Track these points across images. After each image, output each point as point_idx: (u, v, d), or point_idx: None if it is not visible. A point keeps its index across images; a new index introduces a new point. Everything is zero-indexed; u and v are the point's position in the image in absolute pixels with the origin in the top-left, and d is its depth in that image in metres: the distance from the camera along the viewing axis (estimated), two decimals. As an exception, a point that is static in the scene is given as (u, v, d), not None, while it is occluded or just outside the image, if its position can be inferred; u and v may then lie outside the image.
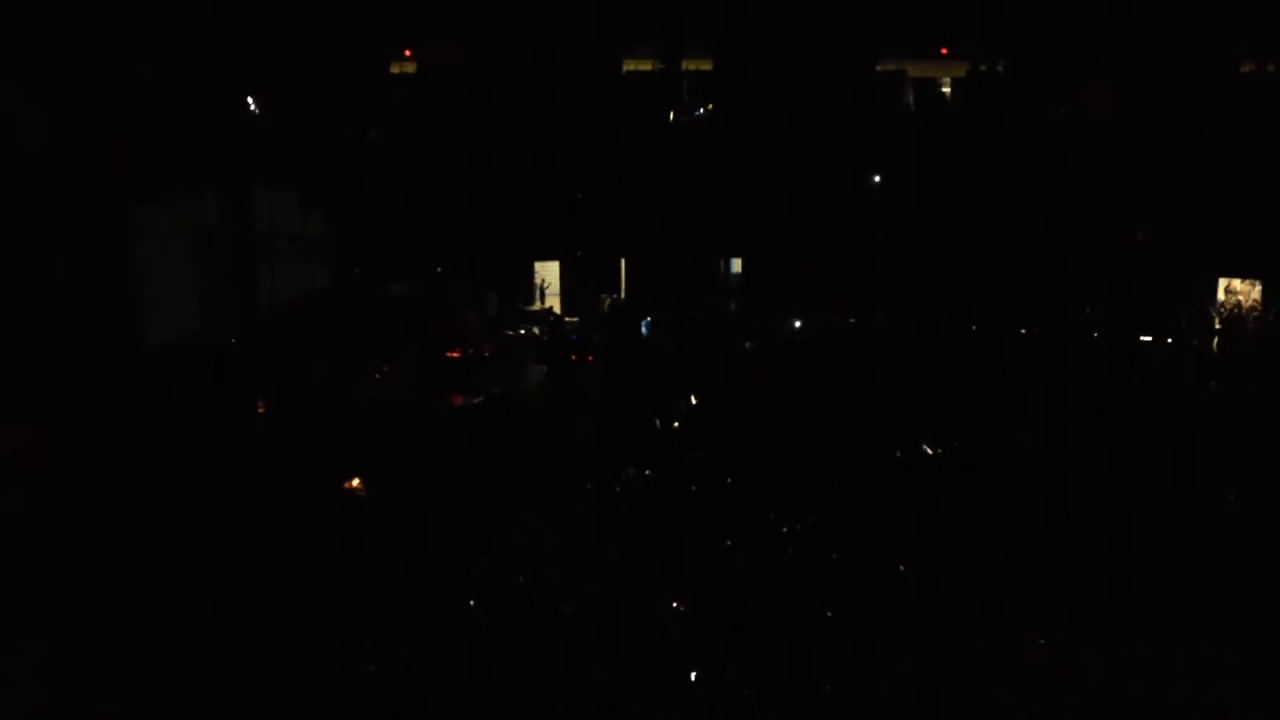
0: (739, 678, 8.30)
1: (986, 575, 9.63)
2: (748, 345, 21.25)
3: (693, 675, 8.39)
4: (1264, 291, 23.05)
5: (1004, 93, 25.74)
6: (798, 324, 22.96)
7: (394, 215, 23.44)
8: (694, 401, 15.14)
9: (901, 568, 9.91)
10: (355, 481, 11.69)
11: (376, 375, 17.59)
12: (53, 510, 9.96)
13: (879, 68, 27.17)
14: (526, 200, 25.16)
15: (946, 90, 27.94)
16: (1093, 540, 10.29)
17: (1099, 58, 24.46)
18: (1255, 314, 21.56)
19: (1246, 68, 24.65)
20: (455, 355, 19.68)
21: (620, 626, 8.85)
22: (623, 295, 27.33)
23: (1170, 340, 20.42)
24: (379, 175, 23.33)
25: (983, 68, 26.52)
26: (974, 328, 22.04)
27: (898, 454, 12.84)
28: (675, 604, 9.12)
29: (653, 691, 8.18)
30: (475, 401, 16.73)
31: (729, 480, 11.84)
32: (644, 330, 23.01)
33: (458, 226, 24.66)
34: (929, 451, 12.90)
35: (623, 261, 27.75)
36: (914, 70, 27.55)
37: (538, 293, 27.74)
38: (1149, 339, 20.55)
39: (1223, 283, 23.99)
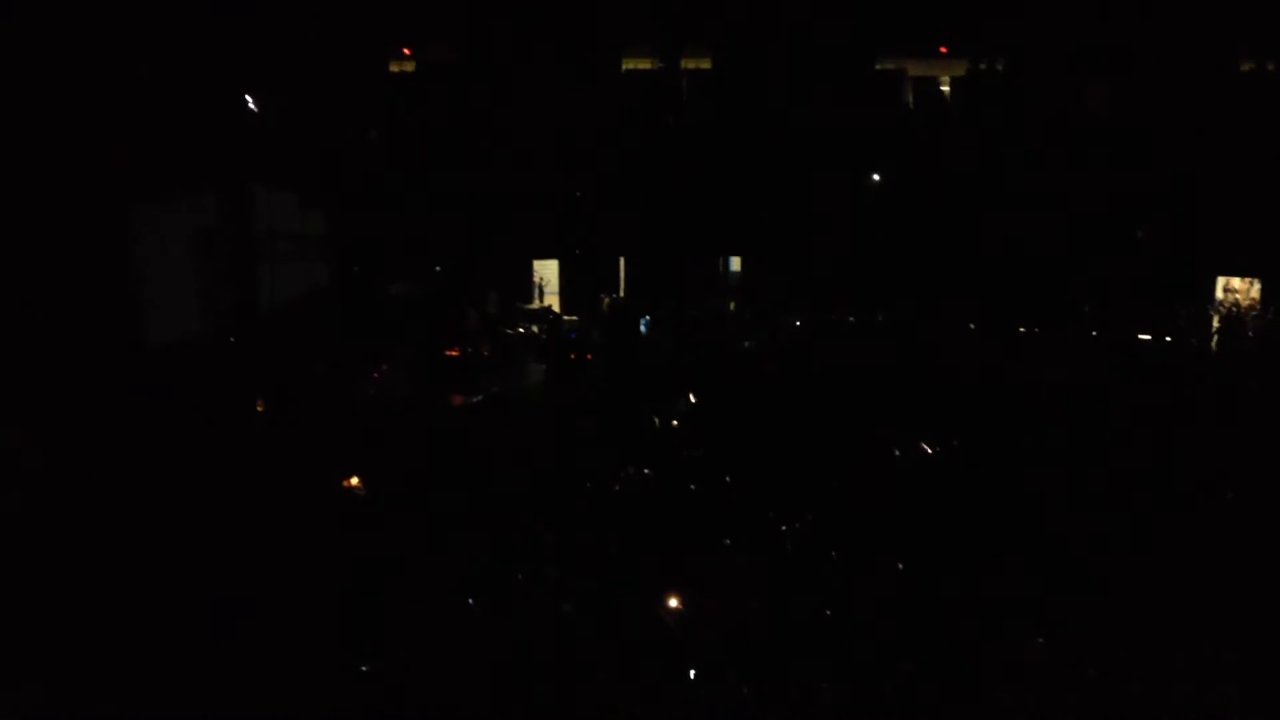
0: (739, 678, 8.31)
1: (986, 575, 9.64)
2: (746, 344, 21.26)
3: (692, 675, 8.40)
4: (1263, 290, 23.08)
5: (1004, 92, 25.76)
6: (797, 323, 22.98)
7: (394, 215, 23.44)
8: (693, 400, 15.14)
9: (901, 567, 9.93)
10: (355, 480, 11.69)
11: (376, 374, 17.60)
12: (53, 510, 9.95)
13: (879, 67, 27.19)
14: (526, 199, 25.19)
15: (946, 90, 27.94)
16: (1092, 540, 10.30)
17: (1099, 57, 24.48)
18: (1254, 313, 21.58)
19: (1246, 67, 24.66)
20: (454, 354, 19.68)
21: (620, 626, 8.86)
22: (621, 294, 27.35)
23: (1169, 339, 20.45)
24: (379, 175, 23.34)
25: (982, 67, 26.52)
26: (972, 326, 22.09)
27: (897, 454, 12.85)
28: (675, 604, 9.12)
29: (653, 691, 8.18)
30: (474, 400, 16.75)
31: (728, 479, 11.85)
32: (643, 329, 23.02)
33: (457, 226, 24.67)
34: (929, 451, 12.91)
35: (621, 260, 27.76)
36: (914, 70, 27.56)
37: (537, 291, 27.75)
38: (1147, 337, 20.59)
39: (1221, 281, 24.03)
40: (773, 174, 25.36)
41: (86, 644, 8.33)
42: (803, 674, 8.33)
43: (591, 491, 11.62)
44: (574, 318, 25.43)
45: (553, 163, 25.51)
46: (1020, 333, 21.74)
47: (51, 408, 10.87)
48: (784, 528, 10.66)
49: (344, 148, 21.70)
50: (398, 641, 8.63)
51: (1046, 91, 24.92)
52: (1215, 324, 21.61)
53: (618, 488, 11.79)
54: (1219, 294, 23.60)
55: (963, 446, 12.99)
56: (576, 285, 27.58)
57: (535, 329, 23.68)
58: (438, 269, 24.56)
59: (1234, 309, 22.01)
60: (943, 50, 27.22)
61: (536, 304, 27.11)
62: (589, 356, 20.43)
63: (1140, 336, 20.64)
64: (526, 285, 27.39)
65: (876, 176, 25.86)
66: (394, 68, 27.86)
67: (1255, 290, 23.27)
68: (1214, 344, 20.71)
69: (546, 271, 27.97)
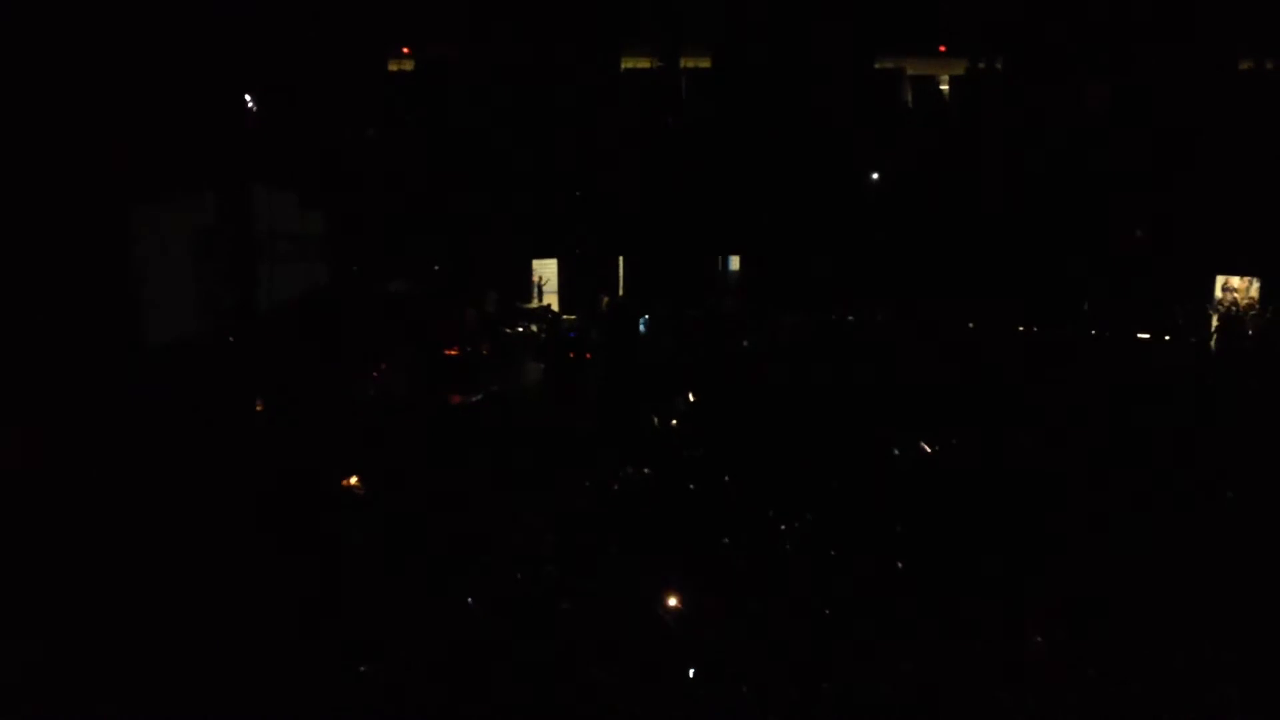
0: (739, 678, 8.31)
1: (986, 575, 9.64)
2: (746, 344, 21.26)
3: (691, 674, 8.40)
4: (1261, 289, 23.09)
5: (1003, 92, 25.75)
6: (797, 323, 22.98)
7: (393, 214, 23.43)
8: (692, 400, 15.14)
9: (900, 566, 9.93)
10: (354, 480, 11.69)
11: (375, 374, 17.59)
12: (53, 510, 9.95)
13: (877, 66, 27.18)
14: (525, 198, 25.18)
15: (945, 88, 27.94)
16: (1092, 540, 10.30)
17: (1099, 57, 24.48)
18: (1253, 312, 21.59)
19: (1245, 66, 24.67)
20: (454, 353, 19.67)
21: (620, 626, 8.86)
22: (621, 293, 27.34)
23: (1168, 337, 20.46)
24: (379, 175, 23.32)
25: (982, 66, 26.51)
26: (972, 326, 22.10)
27: (897, 453, 12.85)
28: (675, 603, 9.13)
29: (653, 691, 8.18)
30: (474, 399, 16.74)
31: (728, 478, 11.85)
32: (642, 328, 23.01)
33: (456, 225, 24.67)
34: (928, 450, 12.91)
35: (620, 259, 27.76)
36: (912, 69, 27.55)
37: (536, 291, 27.74)
38: (1147, 336, 20.61)
39: (1220, 280, 24.03)
40: (772, 174, 25.35)
41: (86, 643, 8.33)
42: (802, 674, 8.33)
43: (590, 491, 11.62)
44: (573, 317, 25.42)
45: (552, 162, 25.50)
46: (1020, 332, 21.76)
47: (52, 407, 10.87)
48: (784, 528, 10.66)
49: (344, 147, 21.70)
50: (396, 641, 8.62)
51: (1046, 91, 24.92)
52: (1214, 323, 21.62)
53: (617, 487, 11.79)
54: (1218, 293, 23.61)
55: (961, 446, 12.99)
56: (576, 285, 27.57)
57: (534, 328, 23.67)
58: (437, 269, 24.55)
59: (1233, 308, 22.02)
60: (942, 49, 27.21)
61: (536, 303, 27.09)
62: (588, 356, 20.42)
63: (1139, 335, 20.66)
64: (526, 285, 27.38)
65: (876, 176, 25.86)
66: (394, 67, 27.85)
67: (1254, 289, 23.29)
68: (1213, 343, 20.71)
69: (546, 271, 27.96)
